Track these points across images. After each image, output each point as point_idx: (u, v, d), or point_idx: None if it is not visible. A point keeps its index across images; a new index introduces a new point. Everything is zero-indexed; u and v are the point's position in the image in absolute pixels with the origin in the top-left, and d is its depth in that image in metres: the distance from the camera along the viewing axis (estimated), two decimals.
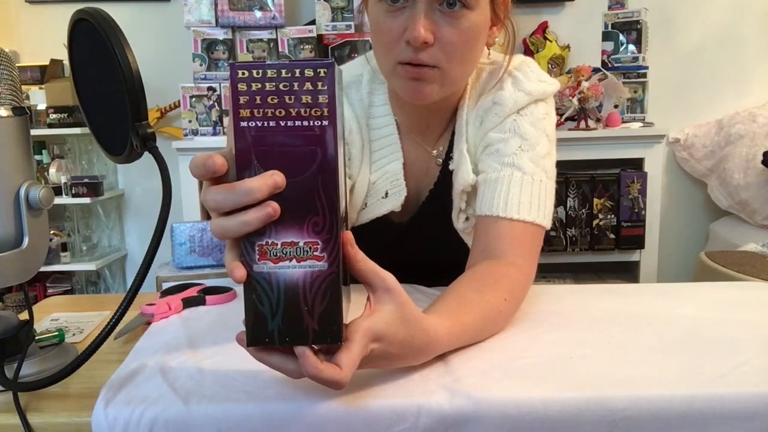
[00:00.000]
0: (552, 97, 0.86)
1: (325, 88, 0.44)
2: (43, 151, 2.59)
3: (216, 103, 2.40)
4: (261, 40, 2.45)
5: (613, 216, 2.46)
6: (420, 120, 0.88)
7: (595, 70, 2.50)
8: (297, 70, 0.44)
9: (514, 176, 0.78)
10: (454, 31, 0.73)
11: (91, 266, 2.53)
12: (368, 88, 0.89)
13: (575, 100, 2.38)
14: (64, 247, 2.54)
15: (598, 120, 2.47)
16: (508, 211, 0.76)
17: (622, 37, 2.59)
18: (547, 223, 0.79)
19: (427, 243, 0.90)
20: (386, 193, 0.88)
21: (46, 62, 2.52)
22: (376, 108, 0.89)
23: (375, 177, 0.88)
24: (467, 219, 0.87)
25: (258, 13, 2.42)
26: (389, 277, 0.51)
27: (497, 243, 0.76)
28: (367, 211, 0.89)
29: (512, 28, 0.84)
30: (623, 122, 2.48)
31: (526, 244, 0.76)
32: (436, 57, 0.74)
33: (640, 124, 2.50)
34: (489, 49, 0.85)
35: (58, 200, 2.29)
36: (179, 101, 2.42)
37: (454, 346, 0.61)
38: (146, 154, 0.58)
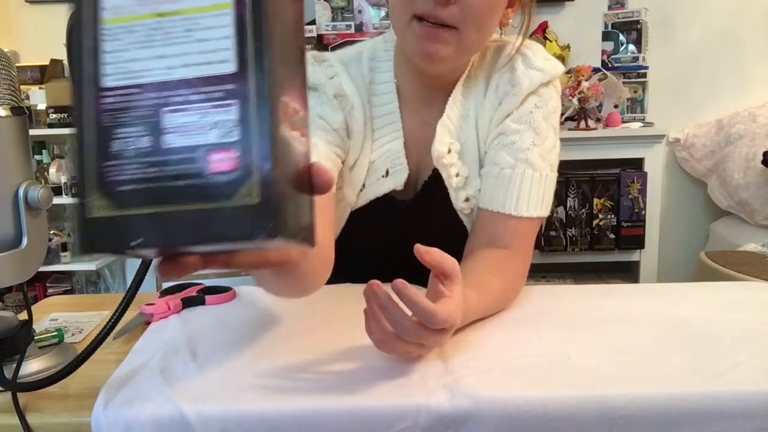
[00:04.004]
0: (559, 82, 0.87)
1: None
2: (43, 151, 2.59)
3: None
4: None
5: (613, 216, 2.46)
6: (425, 91, 0.87)
7: (595, 70, 2.50)
8: None
9: (526, 173, 0.80)
10: None
11: (91, 266, 2.53)
12: (368, 64, 0.88)
13: (575, 100, 2.38)
14: (64, 247, 2.54)
15: (598, 120, 2.47)
16: (519, 210, 0.80)
17: (622, 37, 2.59)
18: (547, 213, 0.83)
19: (430, 223, 0.89)
20: (387, 172, 0.87)
21: (46, 62, 2.52)
22: (378, 85, 0.87)
23: (375, 156, 0.87)
24: (467, 199, 0.87)
25: None
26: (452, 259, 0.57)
27: (505, 237, 0.80)
28: (366, 192, 0.88)
29: (529, 9, 0.84)
30: (623, 122, 2.48)
31: (529, 237, 0.83)
32: (456, 17, 0.72)
33: (640, 124, 2.51)
34: (501, 29, 0.84)
35: (57, 200, 2.29)
36: None
37: (477, 317, 0.68)
38: None
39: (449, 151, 0.84)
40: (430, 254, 0.56)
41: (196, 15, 0.37)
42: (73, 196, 0.38)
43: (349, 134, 0.85)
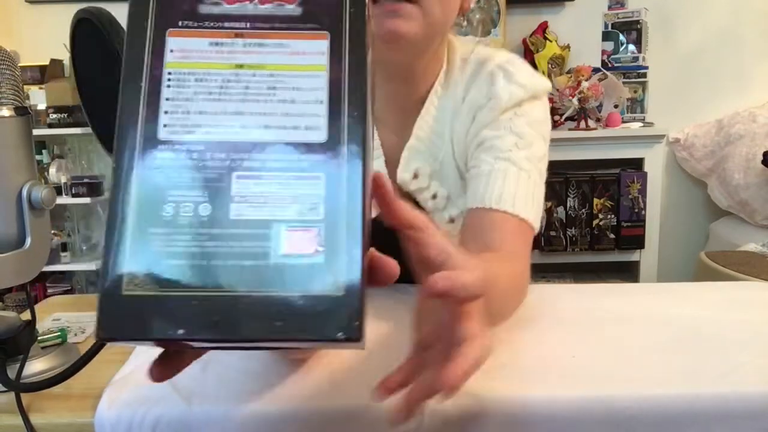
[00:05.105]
0: (546, 97, 0.81)
1: None
2: (43, 151, 2.59)
3: None
4: None
5: (613, 216, 2.46)
6: (396, 101, 0.81)
7: (595, 70, 2.50)
8: None
9: (509, 170, 0.72)
10: None
11: (91, 266, 2.53)
12: None
13: (575, 100, 2.38)
14: (64, 247, 2.54)
15: (598, 120, 2.47)
16: (502, 204, 0.70)
17: (622, 37, 2.59)
18: (537, 226, 0.73)
19: None
20: None
21: (46, 62, 2.52)
22: None
23: None
24: (452, 220, 0.81)
25: None
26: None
27: (492, 232, 0.69)
28: None
29: None
30: (623, 122, 2.48)
31: (521, 240, 0.70)
32: None
33: (640, 124, 2.51)
34: (463, 18, 0.79)
35: (58, 200, 2.29)
36: None
37: (500, 278, 0.55)
38: None
39: (416, 176, 0.80)
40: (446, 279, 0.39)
41: (282, 73, 0.32)
42: (101, 268, 0.30)
43: None
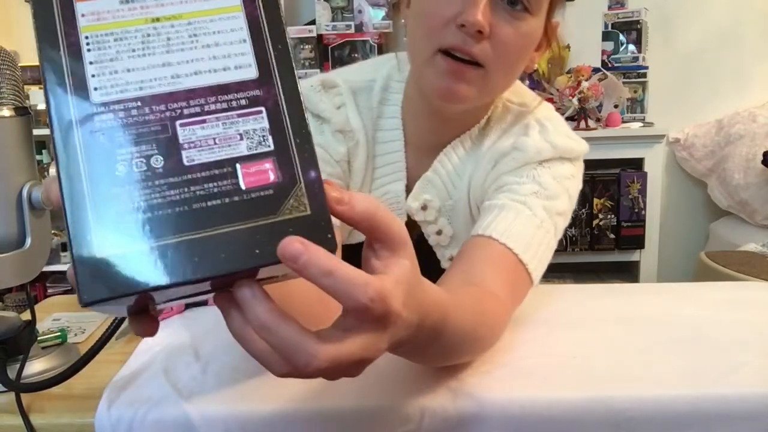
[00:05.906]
0: (581, 161, 0.77)
1: None
2: (43, 151, 2.59)
3: None
4: None
5: (613, 216, 2.46)
6: (431, 135, 0.80)
7: (595, 70, 2.50)
8: None
9: (523, 212, 0.70)
10: (511, 31, 0.66)
11: None
12: (379, 96, 0.81)
13: (575, 100, 2.38)
14: (64, 247, 2.53)
15: (598, 120, 2.47)
16: (505, 238, 0.66)
17: (622, 37, 2.59)
18: (537, 278, 0.69)
19: (427, 272, 0.79)
20: None
21: None
22: (385, 120, 0.81)
23: (374, 195, 0.81)
24: (452, 259, 0.79)
25: None
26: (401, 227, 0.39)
27: (482, 265, 0.65)
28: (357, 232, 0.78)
29: (560, 60, 0.80)
30: (623, 122, 2.48)
31: (511, 284, 0.65)
32: (486, 54, 0.66)
33: (640, 124, 2.51)
34: (526, 73, 0.77)
35: None
36: None
37: (453, 320, 0.48)
38: None
39: (424, 208, 0.80)
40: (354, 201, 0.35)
41: (200, 19, 0.34)
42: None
43: (350, 170, 0.79)
